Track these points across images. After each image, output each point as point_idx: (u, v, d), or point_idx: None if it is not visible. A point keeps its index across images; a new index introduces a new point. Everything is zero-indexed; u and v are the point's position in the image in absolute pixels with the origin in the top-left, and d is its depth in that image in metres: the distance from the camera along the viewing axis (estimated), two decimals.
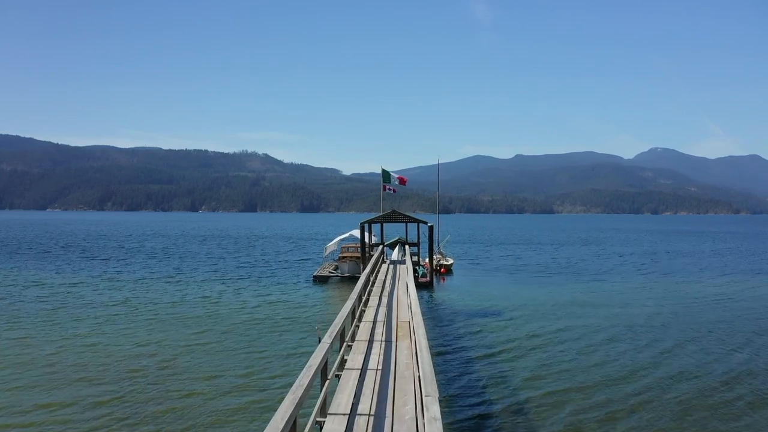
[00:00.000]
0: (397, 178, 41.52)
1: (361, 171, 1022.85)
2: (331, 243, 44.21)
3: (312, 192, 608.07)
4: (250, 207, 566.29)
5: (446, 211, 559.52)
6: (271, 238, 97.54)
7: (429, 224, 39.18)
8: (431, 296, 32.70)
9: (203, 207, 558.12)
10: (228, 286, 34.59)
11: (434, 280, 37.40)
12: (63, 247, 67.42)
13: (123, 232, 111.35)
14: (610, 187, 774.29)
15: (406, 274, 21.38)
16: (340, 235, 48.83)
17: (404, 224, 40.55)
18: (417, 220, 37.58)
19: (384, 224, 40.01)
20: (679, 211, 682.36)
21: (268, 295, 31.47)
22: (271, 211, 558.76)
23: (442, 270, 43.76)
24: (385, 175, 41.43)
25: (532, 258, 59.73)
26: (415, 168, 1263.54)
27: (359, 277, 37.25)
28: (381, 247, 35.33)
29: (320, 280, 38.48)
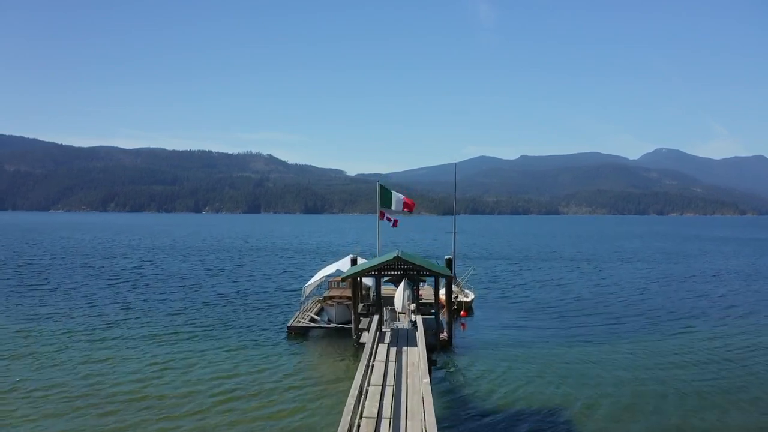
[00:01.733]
0: (402, 200, 32.12)
1: (366, 172, 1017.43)
2: (311, 282, 34.08)
3: (316, 193, 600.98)
4: (254, 208, 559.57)
5: (451, 212, 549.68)
6: (266, 250, 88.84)
7: (447, 257, 30.53)
8: (449, 372, 23.04)
9: (207, 208, 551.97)
10: (179, 349, 25.53)
11: (453, 331, 27.99)
12: (17, 267, 58.97)
13: (105, 242, 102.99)
14: (615, 188, 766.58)
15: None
16: (330, 259, 39.61)
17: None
18: (434, 270, 25.27)
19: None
20: (685, 212, 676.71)
21: (227, 374, 21.95)
22: (275, 212, 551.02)
23: (462, 313, 34.70)
24: (385, 195, 32.02)
25: (577, 286, 49.48)
26: (420, 168, 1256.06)
27: (350, 329, 26.29)
28: (376, 321, 22.90)
29: (297, 333, 29.17)
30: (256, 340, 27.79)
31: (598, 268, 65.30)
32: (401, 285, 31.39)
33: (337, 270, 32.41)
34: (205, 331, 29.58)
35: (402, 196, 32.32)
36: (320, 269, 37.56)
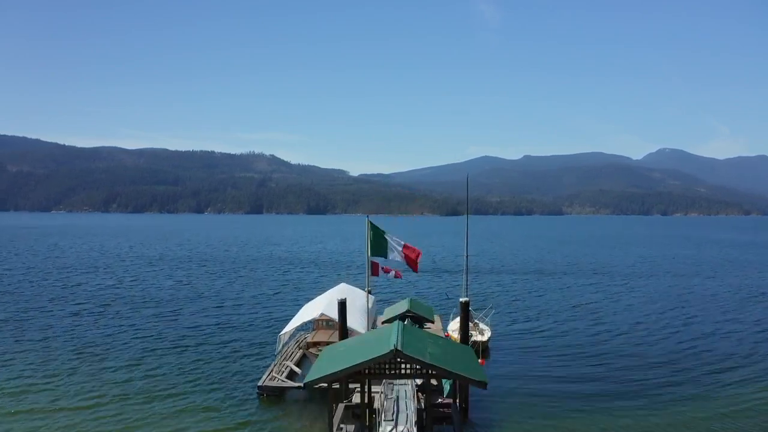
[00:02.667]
0: (402, 248, 22.23)
1: (369, 172, 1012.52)
2: (287, 329, 26.58)
3: (319, 193, 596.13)
4: (256, 208, 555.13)
5: (454, 213, 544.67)
6: (263, 261, 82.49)
7: (462, 299, 24.50)
8: None
9: (209, 209, 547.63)
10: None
11: (469, 392, 21.93)
12: None
13: (92, 251, 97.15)
14: (618, 188, 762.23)
15: None
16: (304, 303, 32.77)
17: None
18: (457, 374, 16.56)
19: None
20: (689, 212, 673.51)
21: None
22: (278, 213, 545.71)
23: (480, 362, 28.34)
24: (376, 239, 22.35)
25: (613, 313, 42.30)
26: (424, 168, 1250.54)
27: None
28: None
29: (270, 396, 22.83)
30: (222, 408, 21.80)
31: (629, 285, 58.66)
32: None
33: (322, 314, 25.99)
34: (161, 394, 23.48)
35: (401, 244, 22.46)
36: (306, 303, 31.44)
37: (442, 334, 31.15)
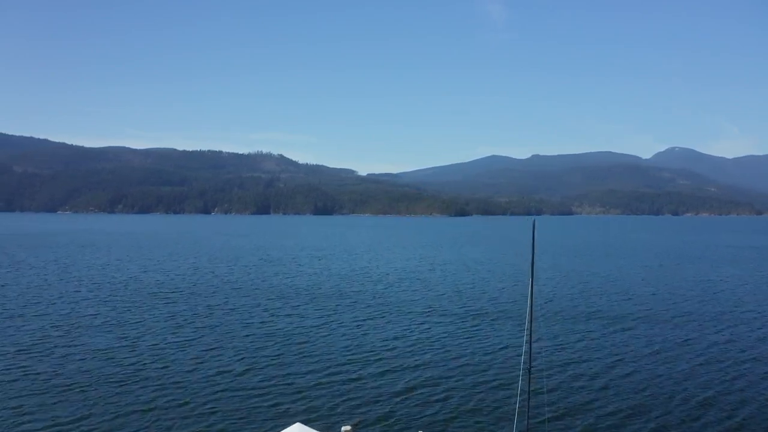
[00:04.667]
0: None
1: (377, 171, 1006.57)
2: None
3: (326, 193, 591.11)
4: (264, 209, 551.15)
5: (462, 213, 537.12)
6: (247, 293, 60.48)
7: None
8: None
9: (216, 209, 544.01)
10: None
11: None
12: None
13: (51, 273, 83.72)
14: (628, 188, 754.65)
15: None
16: None
17: None
18: None
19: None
20: (700, 212, 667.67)
21: None
22: (285, 213, 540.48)
23: None
24: None
25: None
26: (428, 168, 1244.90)
27: None
28: None
29: None
30: None
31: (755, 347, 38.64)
32: None
33: None
34: None
35: None
36: None
37: None
